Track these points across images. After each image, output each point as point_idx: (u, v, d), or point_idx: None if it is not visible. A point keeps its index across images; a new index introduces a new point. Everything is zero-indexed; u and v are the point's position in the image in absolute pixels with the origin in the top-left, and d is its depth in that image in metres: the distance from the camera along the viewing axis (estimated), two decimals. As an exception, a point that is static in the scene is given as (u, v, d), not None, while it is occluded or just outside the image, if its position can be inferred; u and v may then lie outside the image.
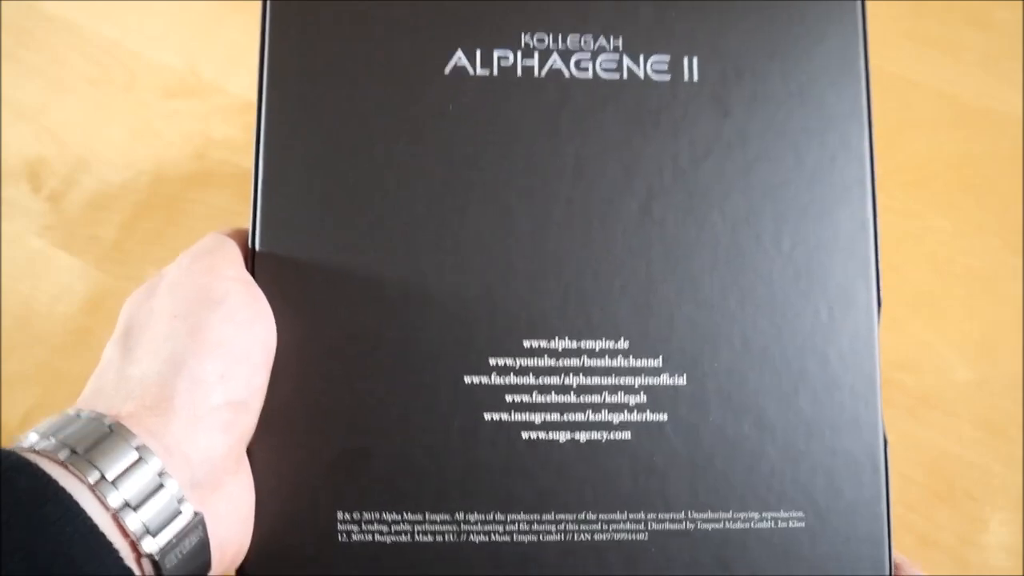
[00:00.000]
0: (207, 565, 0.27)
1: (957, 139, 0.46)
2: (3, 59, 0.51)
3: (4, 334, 0.45)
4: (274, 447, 0.31)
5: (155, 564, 0.25)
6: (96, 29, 0.51)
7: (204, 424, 0.28)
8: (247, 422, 0.29)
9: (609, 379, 0.32)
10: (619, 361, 0.32)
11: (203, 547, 0.27)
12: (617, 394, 0.32)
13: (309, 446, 0.31)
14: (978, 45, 0.49)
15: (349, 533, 0.31)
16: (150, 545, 0.25)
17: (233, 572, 0.31)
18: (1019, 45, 0.48)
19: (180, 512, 0.26)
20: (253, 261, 0.31)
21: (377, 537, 0.31)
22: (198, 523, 0.26)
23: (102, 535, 0.24)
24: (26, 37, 0.51)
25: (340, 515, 0.31)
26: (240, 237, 0.32)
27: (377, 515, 0.31)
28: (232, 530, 0.29)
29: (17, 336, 0.44)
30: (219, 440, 0.28)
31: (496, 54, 0.33)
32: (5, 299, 0.45)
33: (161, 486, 0.26)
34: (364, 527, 0.31)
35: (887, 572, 0.32)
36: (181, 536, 0.26)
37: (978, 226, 0.44)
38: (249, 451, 0.31)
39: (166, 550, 0.25)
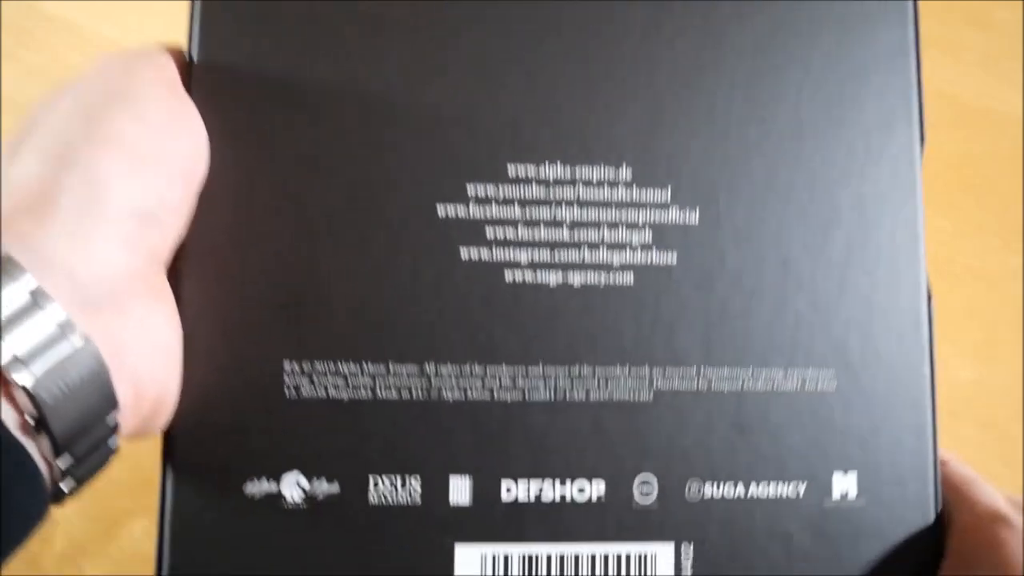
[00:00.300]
0: (109, 402, 0.22)
1: (957, 139, 0.47)
2: (3, 59, 0.50)
3: (3, 332, 0.42)
4: (206, 283, 0.26)
5: (32, 398, 0.20)
6: (96, 29, 0.51)
7: (99, 234, 0.23)
8: (158, 240, 0.25)
9: (609, 213, 0.27)
10: (620, 193, 0.27)
11: (98, 380, 0.22)
12: (618, 231, 0.27)
13: (249, 284, 0.26)
14: (978, 45, 0.49)
15: (297, 387, 0.26)
16: (23, 376, 0.20)
17: (159, 430, 0.26)
18: (1019, 45, 0.48)
19: (63, 337, 0.21)
20: (189, 75, 0.27)
21: (331, 392, 0.26)
22: (88, 352, 0.21)
23: None
24: (26, 37, 0.50)
25: (287, 365, 0.26)
26: (177, 52, 0.27)
27: (331, 365, 0.26)
28: (148, 366, 0.24)
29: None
30: (119, 256, 0.23)
31: None
32: (5, 298, 0.43)
33: (35, 305, 0.21)
34: (316, 380, 0.26)
35: (930, 442, 0.27)
36: (64, 365, 0.21)
37: (978, 226, 0.45)
38: (177, 288, 0.26)
39: (44, 382, 0.21)
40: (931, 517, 0.27)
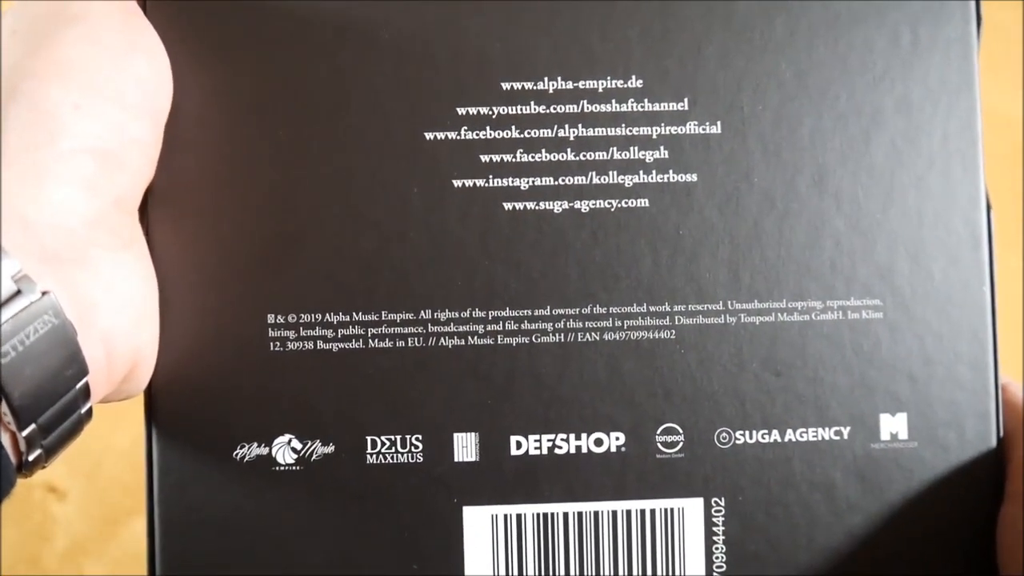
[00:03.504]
0: (76, 364, 0.20)
1: (957, 139, 0.44)
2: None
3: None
4: (178, 232, 0.23)
5: None
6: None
7: (52, 174, 0.20)
8: (122, 183, 0.22)
9: (618, 129, 0.24)
10: (630, 105, 0.24)
11: (61, 339, 0.20)
12: (629, 149, 0.24)
13: (225, 231, 0.23)
14: (978, 45, 0.47)
15: (283, 340, 0.23)
16: None
17: (137, 394, 0.24)
18: (1019, 45, 0.47)
19: (17, 291, 0.19)
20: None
21: (320, 344, 0.23)
22: (47, 306, 0.19)
23: None
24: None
25: (271, 318, 0.23)
26: None
27: (318, 316, 0.23)
28: (120, 325, 0.22)
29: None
30: (77, 199, 0.21)
31: None
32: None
33: None
34: (302, 332, 0.23)
35: (991, 376, 0.24)
36: (20, 322, 0.19)
37: (978, 226, 0.42)
38: (148, 238, 0.23)
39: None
40: (991, 459, 0.24)
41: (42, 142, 0.20)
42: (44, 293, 0.19)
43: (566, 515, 0.24)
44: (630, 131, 0.24)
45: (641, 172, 0.24)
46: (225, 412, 0.23)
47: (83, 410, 0.21)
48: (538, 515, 0.24)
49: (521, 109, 0.24)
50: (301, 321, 0.23)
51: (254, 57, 0.23)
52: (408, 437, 0.23)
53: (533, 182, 0.24)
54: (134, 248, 0.23)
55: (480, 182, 0.24)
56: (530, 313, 0.24)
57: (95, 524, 0.42)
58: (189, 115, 0.23)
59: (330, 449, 0.23)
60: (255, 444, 0.23)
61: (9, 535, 0.42)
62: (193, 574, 0.23)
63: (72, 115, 0.21)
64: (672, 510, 0.24)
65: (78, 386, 0.20)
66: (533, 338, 0.24)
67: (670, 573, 0.24)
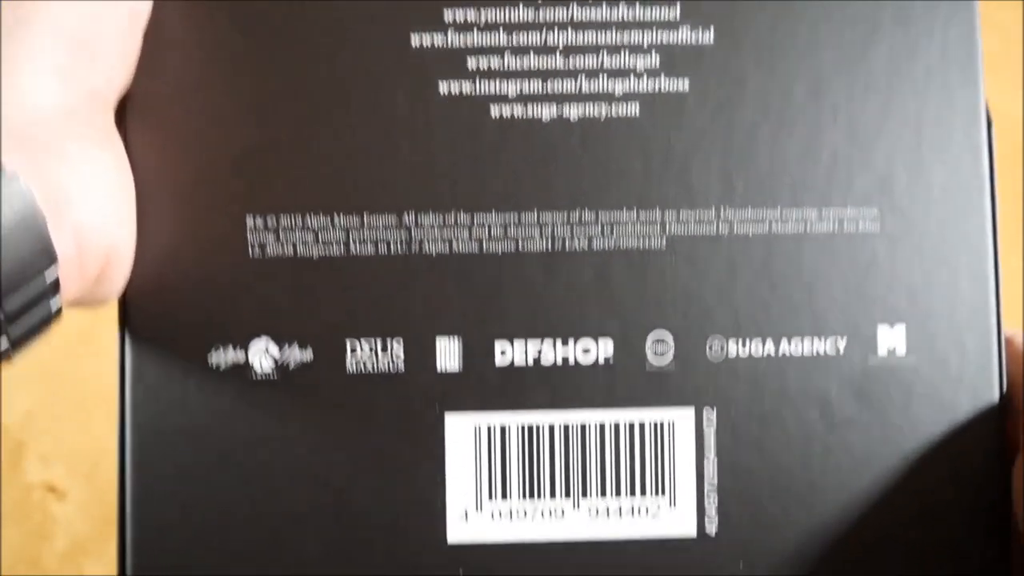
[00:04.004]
0: (45, 253, 0.19)
1: (956, 139, 0.45)
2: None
3: (4, 333, 0.41)
4: (158, 136, 0.23)
5: None
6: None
7: (25, 59, 0.20)
8: (97, 76, 0.22)
9: (609, 35, 0.23)
10: (621, 11, 0.23)
11: (30, 224, 0.19)
12: (620, 55, 0.23)
13: (207, 135, 0.23)
14: (978, 45, 0.47)
15: (263, 245, 0.23)
16: None
17: (112, 297, 0.23)
18: (1019, 45, 0.47)
19: None
20: None
21: (300, 249, 0.23)
22: (16, 190, 0.19)
23: None
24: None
25: (250, 221, 0.23)
26: None
27: (299, 219, 0.23)
28: (93, 218, 0.21)
29: (17, 335, 0.42)
30: (52, 87, 0.20)
31: None
32: (5, 298, 0.42)
33: None
34: (282, 236, 0.23)
35: (992, 289, 0.23)
36: None
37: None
38: (125, 140, 0.23)
39: None
40: (994, 378, 0.23)
41: (14, 26, 0.20)
42: (13, 175, 0.19)
43: (552, 426, 0.23)
44: (621, 37, 0.23)
45: (632, 79, 0.23)
46: (201, 317, 0.23)
47: (52, 305, 0.21)
48: (523, 426, 0.23)
49: (510, 13, 0.23)
50: (281, 225, 0.23)
51: None
52: (389, 344, 0.23)
53: (521, 88, 0.23)
54: (110, 147, 0.22)
55: (467, 87, 0.23)
56: (516, 218, 0.23)
57: (95, 524, 0.41)
58: (168, 20, 0.23)
59: (308, 355, 0.23)
60: (230, 347, 0.23)
61: (9, 535, 0.41)
62: (165, 483, 0.22)
63: (44, 3, 0.20)
64: (662, 422, 0.23)
65: (47, 275, 0.20)
66: (519, 244, 0.23)
67: (660, 486, 0.23)
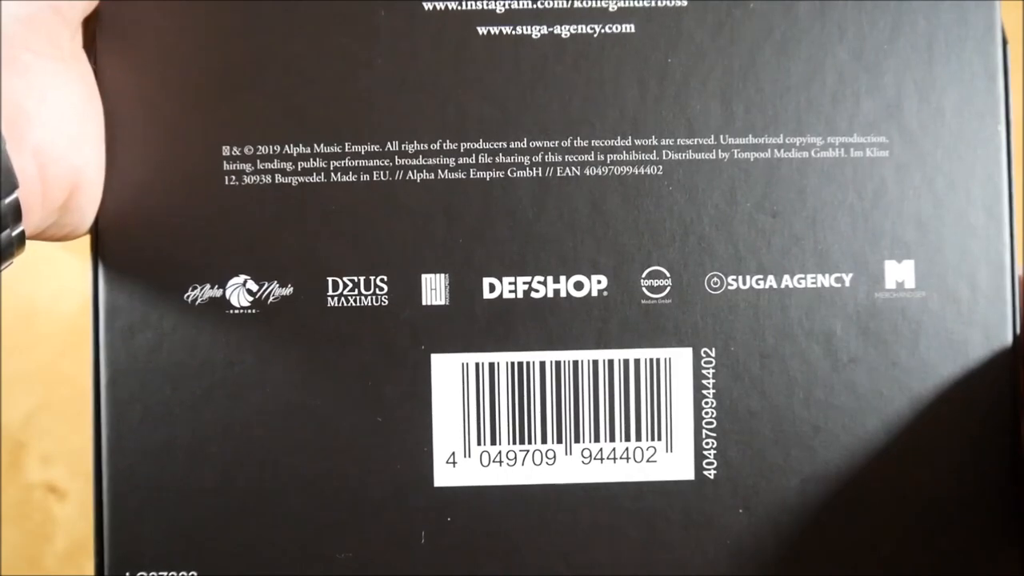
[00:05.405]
0: (4, 175, 0.18)
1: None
2: None
3: (5, 334, 0.42)
4: (129, 60, 0.22)
5: None
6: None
7: None
8: None
9: (603, -50, 0.22)
10: (617, -76, 0.22)
11: None
12: (614, -29, 0.22)
13: (179, 59, 0.22)
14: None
15: (239, 174, 0.22)
16: None
17: (81, 230, 0.22)
18: (1019, 45, 0.43)
19: None
20: None
21: (278, 178, 0.22)
22: None
23: None
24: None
25: (226, 150, 0.22)
26: None
27: (277, 147, 0.22)
28: (56, 141, 0.20)
29: (18, 336, 0.42)
30: None
31: None
32: (6, 299, 0.42)
33: None
34: (260, 165, 0.22)
35: (1007, 220, 0.22)
36: None
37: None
38: (98, 66, 0.22)
39: None
40: (1008, 317, 0.22)
41: None
42: None
43: (543, 364, 0.22)
44: None
45: (627, -5, 0.22)
46: (176, 251, 0.22)
47: (13, 232, 0.20)
48: (512, 364, 0.22)
49: None
50: (258, 153, 0.22)
51: None
52: (372, 278, 0.22)
53: (509, 4, 0.22)
54: (74, 65, 0.21)
55: (452, 4, 0.22)
56: (505, 145, 0.22)
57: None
58: None
59: (288, 291, 0.22)
60: (207, 285, 0.22)
61: (9, 535, 0.41)
62: (141, 425, 0.21)
63: None
64: (658, 360, 0.22)
65: (6, 200, 0.19)
66: (508, 172, 0.22)
67: (655, 428, 0.22)
